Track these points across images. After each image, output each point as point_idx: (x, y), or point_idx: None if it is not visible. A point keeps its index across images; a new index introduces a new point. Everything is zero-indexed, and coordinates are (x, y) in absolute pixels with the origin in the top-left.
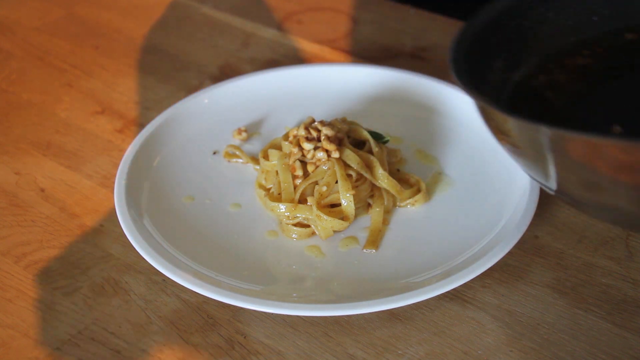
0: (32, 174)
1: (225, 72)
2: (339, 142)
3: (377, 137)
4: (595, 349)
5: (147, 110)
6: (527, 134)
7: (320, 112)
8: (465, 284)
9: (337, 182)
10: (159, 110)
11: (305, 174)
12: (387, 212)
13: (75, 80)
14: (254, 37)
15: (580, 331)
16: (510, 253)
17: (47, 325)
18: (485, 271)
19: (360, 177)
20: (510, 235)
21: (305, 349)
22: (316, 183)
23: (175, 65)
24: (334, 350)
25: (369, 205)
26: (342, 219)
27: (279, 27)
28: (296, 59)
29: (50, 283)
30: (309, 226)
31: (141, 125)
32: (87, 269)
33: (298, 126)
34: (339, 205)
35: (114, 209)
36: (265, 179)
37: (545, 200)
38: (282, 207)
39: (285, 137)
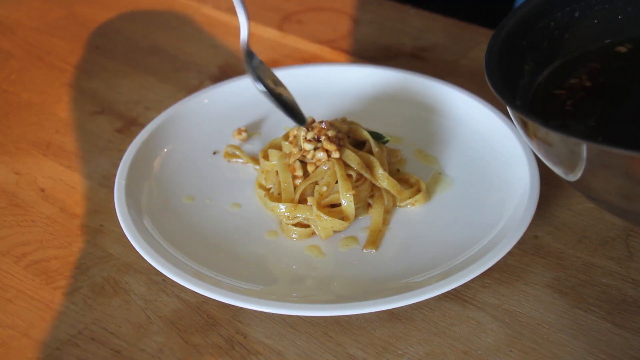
0: (32, 174)
1: (225, 72)
2: (339, 142)
3: (377, 137)
4: (595, 349)
5: (147, 110)
6: (566, 145)
7: (320, 112)
8: (465, 284)
9: (337, 182)
10: (159, 110)
11: (305, 174)
12: (387, 212)
13: (75, 80)
14: (254, 37)
15: (580, 331)
16: (510, 253)
17: (47, 325)
18: (485, 271)
19: (360, 177)
20: (510, 235)
21: (305, 349)
22: (316, 183)
23: (175, 65)
24: (334, 350)
25: (369, 205)
26: (342, 219)
27: (279, 27)
28: (296, 59)
29: (50, 283)
30: (309, 226)
31: (141, 125)
32: (87, 269)
33: (298, 126)
34: (339, 205)
35: (114, 209)
36: (265, 179)
37: (545, 200)
38: (282, 207)
39: (285, 137)
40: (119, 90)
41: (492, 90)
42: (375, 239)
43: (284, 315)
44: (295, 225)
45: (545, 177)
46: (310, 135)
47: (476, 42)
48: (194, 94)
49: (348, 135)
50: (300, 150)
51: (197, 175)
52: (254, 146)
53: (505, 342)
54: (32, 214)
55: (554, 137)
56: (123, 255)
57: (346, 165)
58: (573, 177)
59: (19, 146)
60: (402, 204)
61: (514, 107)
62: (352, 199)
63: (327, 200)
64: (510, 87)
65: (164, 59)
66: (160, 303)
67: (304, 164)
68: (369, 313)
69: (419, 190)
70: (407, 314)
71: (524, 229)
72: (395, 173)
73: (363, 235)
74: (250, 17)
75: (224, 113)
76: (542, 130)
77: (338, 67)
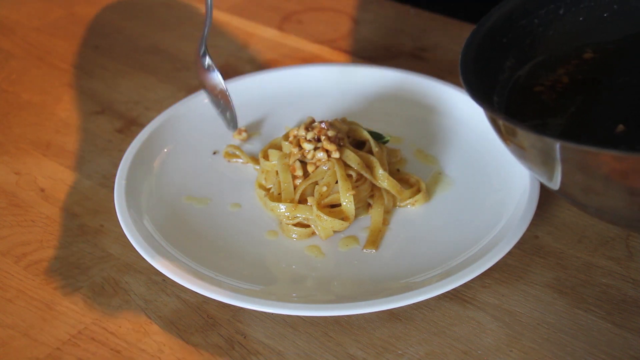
0: (32, 174)
1: (226, 72)
2: (339, 142)
3: (377, 137)
4: (595, 349)
5: (147, 110)
6: (536, 143)
7: (320, 112)
8: (465, 284)
9: (337, 182)
10: (159, 110)
11: (305, 174)
12: (387, 212)
13: (75, 80)
14: (254, 37)
15: (580, 331)
16: (510, 253)
17: (47, 325)
18: (485, 271)
19: (360, 177)
20: (510, 235)
21: (305, 349)
22: (316, 183)
23: (175, 65)
24: (334, 350)
25: (369, 205)
26: (342, 219)
27: (279, 27)
28: (296, 59)
29: (50, 283)
30: (309, 226)
31: (141, 125)
32: (87, 269)
33: (298, 126)
34: (339, 205)
35: (114, 209)
36: (265, 179)
37: (545, 200)
38: (282, 207)
39: (285, 137)
40: (119, 90)
41: (464, 87)
42: (375, 239)
43: (284, 315)
44: (295, 225)
45: None
46: (310, 135)
47: None
48: (194, 94)
49: (348, 135)
50: (297, 143)
51: (197, 175)
52: (254, 146)
53: (505, 342)
54: (32, 214)
55: (521, 134)
56: (123, 255)
57: (346, 166)
58: (556, 185)
59: (19, 146)
60: (402, 204)
61: (478, 101)
62: (352, 199)
63: (327, 200)
64: (488, 82)
65: (164, 59)
66: (160, 303)
67: (304, 164)
68: (369, 313)
69: (419, 190)
70: (407, 314)
71: (524, 229)
72: (395, 173)
73: (363, 235)
74: (250, 17)
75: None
76: (515, 131)
77: (338, 67)
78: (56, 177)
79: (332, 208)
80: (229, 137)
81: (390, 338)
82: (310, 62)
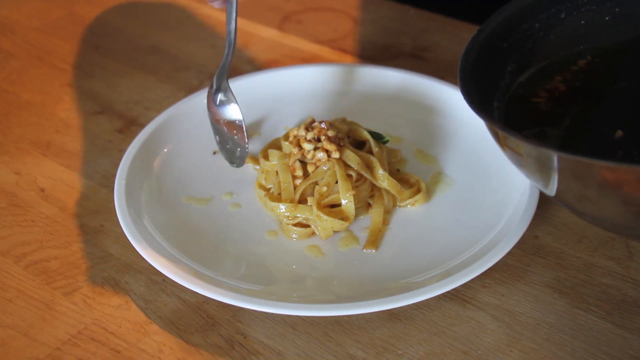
0: (32, 174)
1: None
2: (339, 142)
3: (377, 137)
4: (595, 349)
5: (147, 110)
6: (532, 152)
7: (320, 112)
8: (465, 284)
9: (337, 182)
10: (159, 110)
11: (305, 174)
12: (387, 212)
13: (75, 80)
14: (254, 37)
15: (580, 331)
16: (510, 253)
17: (47, 325)
18: (485, 271)
19: (360, 177)
20: (510, 235)
21: (305, 349)
22: (316, 183)
23: (175, 65)
24: (334, 350)
25: (369, 205)
26: (342, 219)
27: (279, 27)
28: (296, 59)
29: (50, 283)
30: (309, 226)
31: (141, 125)
32: (87, 269)
33: (298, 126)
34: (339, 205)
35: (114, 209)
36: (265, 179)
37: (545, 200)
38: (282, 207)
39: (285, 137)
40: (119, 90)
41: (462, 95)
42: (375, 239)
43: (284, 315)
44: (295, 225)
45: None
46: (310, 136)
47: None
48: (194, 94)
49: (348, 135)
50: (296, 142)
51: (197, 175)
52: (254, 146)
53: (505, 342)
54: (32, 214)
55: (521, 145)
56: (123, 255)
57: (346, 166)
58: (552, 192)
59: (19, 146)
60: (402, 204)
61: (475, 109)
62: (352, 199)
63: (327, 201)
64: (489, 87)
65: (164, 59)
66: (160, 303)
67: (304, 164)
68: (369, 313)
69: (419, 190)
70: (407, 314)
71: (524, 229)
72: (395, 173)
73: (363, 235)
74: (250, 17)
75: None
76: (511, 139)
77: (338, 67)
78: (56, 177)
79: (332, 208)
80: None
81: (390, 338)
82: (310, 62)
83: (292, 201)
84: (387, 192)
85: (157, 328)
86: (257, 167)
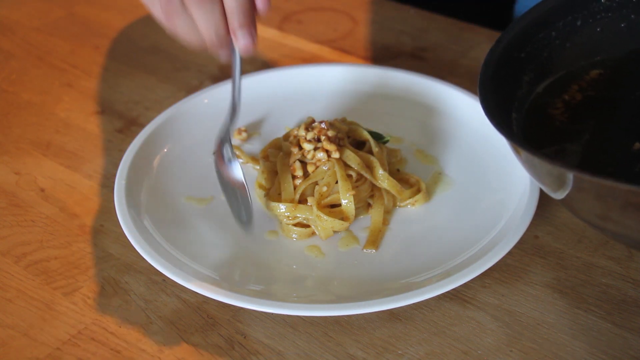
0: (32, 174)
1: (225, 72)
2: (339, 143)
3: (377, 137)
4: (595, 349)
5: (147, 110)
6: (553, 171)
7: (320, 112)
8: (465, 284)
9: (337, 182)
10: (159, 110)
11: (306, 174)
12: (387, 212)
13: (75, 80)
14: None
15: (580, 331)
16: (510, 253)
17: (47, 325)
18: (485, 271)
19: (360, 177)
20: (510, 235)
21: (305, 349)
22: (316, 183)
23: (175, 65)
24: (334, 350)
25: (369, 205)
26: (342, 219)
27: (279, 27)
28: (296, 59)
29: (50, 283)
30: (309, 226)
31: (141, 125)
32: (87, 269)
33: (298, 126)
34: (339, 205)
35: (114, 209)
36: (265, 179)
37: (545, 201)
38: (282, 207)
39: (286, 137)
40: (119, 90)
41: (484, 112)
42: (375, 239)
43: (284, 315)
44: (295, 225)
45: None
46: (310, 136)
47: (476, 42)
48: (194, 94)
49: (348, 135)
50: (296, 143)
51: (197, 175)
52: (254, 146)
53: (505, 342)
54: (32, 214)
55: (543, 165)
56: (123, 255)
57: (346, 166)
58: (560, 197)
59: (19, 146)
60: (402, 204)
61: (498, 127)
62: (352, 199)
63: (327, 201)
64: (506, 99)
65: (164, 59)
66: (160, 303)
67: (304, 164)
68: (369, 313)
69: (419, 190)
70: (407, 314)
71: (524, 229)
72: (395, 173)
73: (363, 235)
74: None
75: (224, 113)
76: (533, 158)
77: (338, 67)
78: (56, 177)
79: (332, 208)
80: None
81: (390, 338)
82: (310, 62)
83: (292, 201)
84: (387, 192)
85: (157, 328)
86: (257, 167)
